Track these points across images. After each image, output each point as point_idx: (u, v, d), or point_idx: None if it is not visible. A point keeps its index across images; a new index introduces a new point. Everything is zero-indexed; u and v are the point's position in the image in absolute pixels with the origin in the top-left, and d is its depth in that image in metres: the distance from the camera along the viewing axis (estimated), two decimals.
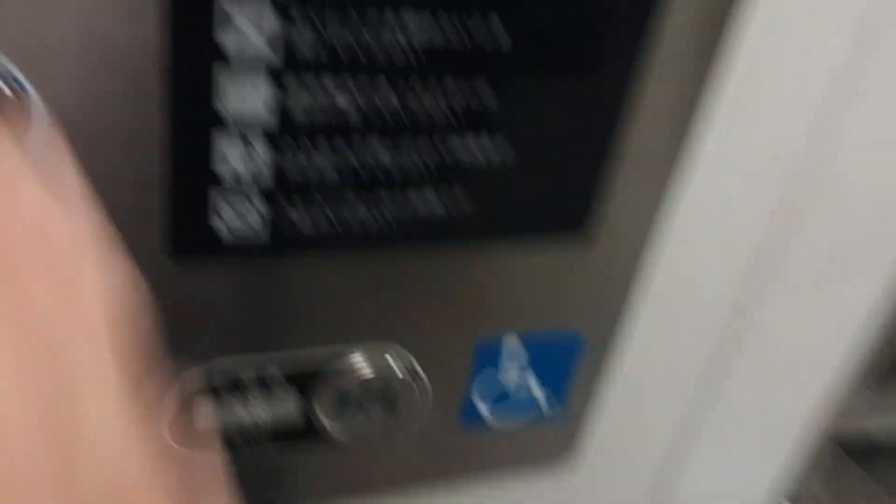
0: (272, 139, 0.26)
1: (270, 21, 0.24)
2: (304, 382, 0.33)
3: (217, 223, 0.28)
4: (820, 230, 0.39)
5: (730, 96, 0.33)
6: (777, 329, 0.42)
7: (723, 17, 0.31)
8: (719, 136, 0.34)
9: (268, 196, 0.27)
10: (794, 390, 0.47)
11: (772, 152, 0.36)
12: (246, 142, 0.26)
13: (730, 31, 0.31)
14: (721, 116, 0.33)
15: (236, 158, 0.26)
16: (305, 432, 0.34)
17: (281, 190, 0.27)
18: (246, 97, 0.25)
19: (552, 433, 0.40)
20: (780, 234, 0.38)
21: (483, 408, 0.37)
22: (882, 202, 0.39)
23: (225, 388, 0.31)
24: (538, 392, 0.38)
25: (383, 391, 0.34)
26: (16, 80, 0.23)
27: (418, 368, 0.34)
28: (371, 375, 0.33)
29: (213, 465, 0.26)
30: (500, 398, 0.37)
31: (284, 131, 0.26)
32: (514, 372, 0.37)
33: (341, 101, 0.26)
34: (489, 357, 0.36)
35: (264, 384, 0.32)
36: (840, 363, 0.45)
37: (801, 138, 0.35)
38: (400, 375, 0.34)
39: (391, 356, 0.34)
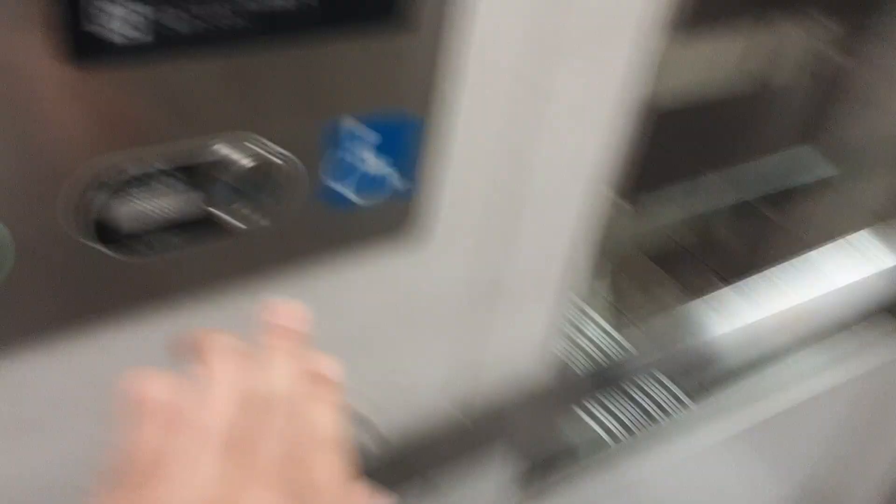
0: None
1: None
2: (189, 175, 0.38)
3: (95, 25, 0.31)
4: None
5: None
6: (560, 94, 0.50)
7: None
8: None
9: None
10: (584, 152, 0.55)
11: None
12: None
13: None
14: None
15: None
16: (197, 221, 0.39)
17: None
18: None
19: (400, 208, 0.47)
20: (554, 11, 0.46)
21: (341, 187, 0.44)
22: None
23: (123, 186, 0.36)
24: (385, 169, 0.45)
25: (257, 177, 0.40)
26: None
27: (287, 153, 0.40)
28: (246, 163, 0.39)
29: None
30: (355, 178, 0.44)
31: None
32: (364, 152, 0.43)
33: None
34: (338, 140, 0.42)
35: (155, 180, 0.37)
36: (613, 122, 0.54)
37: None
38: (272, 161, 0.40)
39: (263, 145, 0.39)
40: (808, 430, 1.19)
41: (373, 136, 0.43)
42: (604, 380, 0.72)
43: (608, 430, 0.95)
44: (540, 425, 0.68)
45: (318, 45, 0.38)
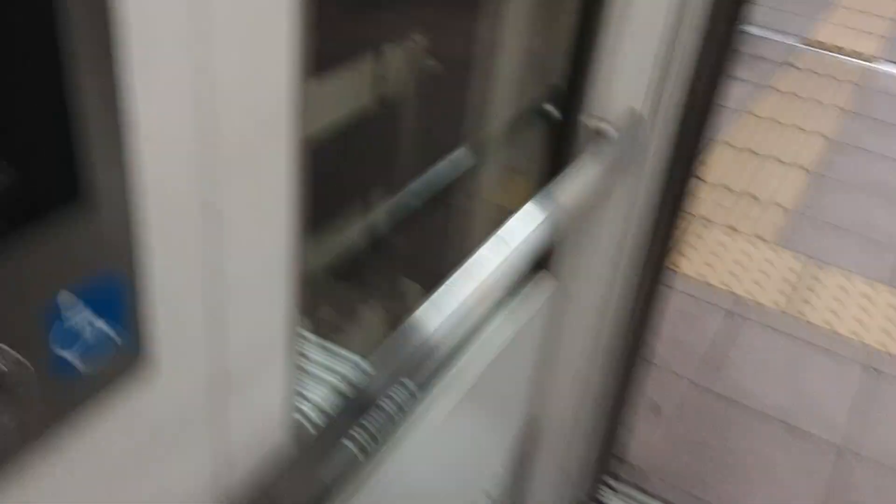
0: None
1: None
2: None
3: None
4: None
5: None
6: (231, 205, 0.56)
7: None
8: None
9: None
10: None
11: None
12: None
13: None
14: None
15: None
16: None
17: None
18: None
19: (126, 353, 0.51)
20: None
21: (69, 359, 0.47)
22: None
23: None
24: (102, 326, 0.48)
25: None
26: None
27: (12, 352, 0.43)
28: None
29: None
30: (80, 346, 0.47)
31: None
32: (83, 319, 0.47)
33: None
34: (55, 316, 0.45)
35: None
36: None
37: None
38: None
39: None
40: (510, 374, 1.39)
41: (88, 303, 0.47)
42: (357, 408, 0.80)
43: (361, 448, 1.03)
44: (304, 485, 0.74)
45: (14, 246, 0.41)
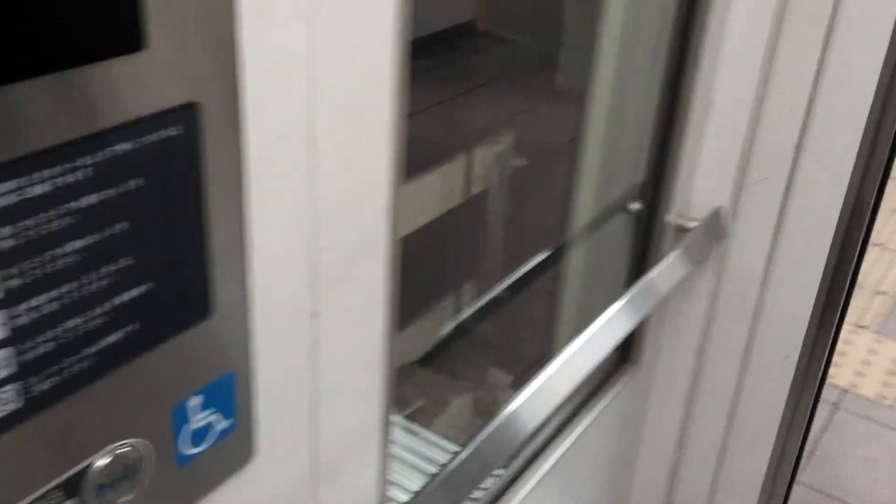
0: None
1: None
2: (69, 488, 0.47)
3: None
4: None
5: None
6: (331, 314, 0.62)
7: None
8: None
9: None
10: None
11: None
12: None
13: None
14: None
15: None
16: None
17: None
18: None
19: (236, 443, 0.58)
20: None
21: (187, 448, 0.54)
22: None
23: None
24: (215, 417, 0.55)
25: (126, 470, 0.49)
26: None
27: (145, 442, 0.50)
28: (109, 463, 0.48)
29: None
30: (196, 435, 0.54)
31: None
32: (202, 415, 0.54)
33: None
34: (182, 414, 0.53)
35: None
36: None
37: None
38: (132, 454, 0.49)
39: (133, 445, 0.49)
40: (591, 455, 1.40)
41: (206, 399, 0.54)
42: (450, 497, 0.83)
43: None
44: None
45: (156, 352, 0.49)
